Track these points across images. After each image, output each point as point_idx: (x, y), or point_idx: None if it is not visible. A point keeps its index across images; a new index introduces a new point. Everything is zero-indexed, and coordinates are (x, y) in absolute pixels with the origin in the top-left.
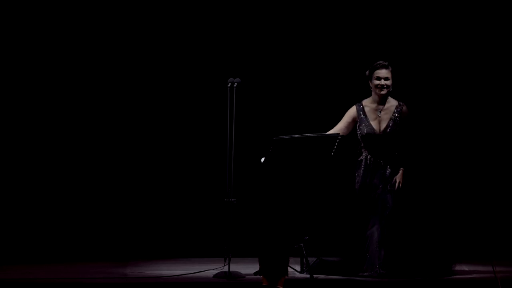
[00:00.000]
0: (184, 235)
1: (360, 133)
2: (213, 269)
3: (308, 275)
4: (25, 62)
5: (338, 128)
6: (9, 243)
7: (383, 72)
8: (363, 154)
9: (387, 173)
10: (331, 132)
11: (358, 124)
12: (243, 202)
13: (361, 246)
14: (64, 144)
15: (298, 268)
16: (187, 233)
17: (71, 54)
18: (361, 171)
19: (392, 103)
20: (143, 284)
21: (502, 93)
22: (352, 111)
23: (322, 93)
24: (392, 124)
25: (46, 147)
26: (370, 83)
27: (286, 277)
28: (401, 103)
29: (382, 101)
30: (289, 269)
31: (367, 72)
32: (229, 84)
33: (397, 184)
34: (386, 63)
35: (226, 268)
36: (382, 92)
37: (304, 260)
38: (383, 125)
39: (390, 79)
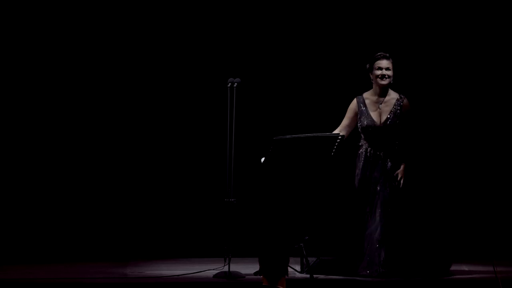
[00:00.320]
0: (184, 235)
1: (360, 125)
2: (213, 269)
3: (308, 275)
4: (25, 62)
5: (343, 125)
6: (9, 243)
7: (384, 63)
8: (363, 146)
9: (388, 166)
10: (337, 129)
11: (358, 116)
12: (243, 202)
13: (361, 244)
14: (64, 144)
15: (298, 268)
16: (187, 233)
17: (71, 54)
18: (361, 164)
19: (393, 95)
20: (143, 284)
21: (502, 92)
22: (353, 105)
23: (322, 93)
24: (392, 116)
25: (46, 147)
26: (370, 75)
27: (286, 277)
28: (402, 96)
29: (383, 93)
30: (289, 269)
31: (367, 65)
32: (229, 84)
33: (398, 178)
34: (387, 54)
35: (226, 268)
36: (383, 82)
37: (304, 260)
38: (384, 117)
39: (391, 70)
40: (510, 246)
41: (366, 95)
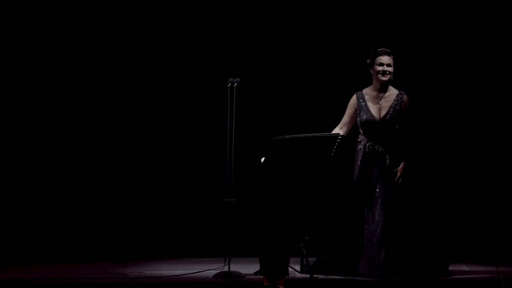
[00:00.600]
0: (184, 235)
1: (359, 120)
2: (213, 269)
3: (308, 275)
4: (25, 62)
5: (344, 122)
6: (9, 243)
7: (385, 59)
8: (362, 142)
9: (387, 162)
10: (337, 126)
11: (358, 111)
12: (243, 202)
13: (360, 241)
14: (64, 144)
15: (298, 268)
16: (187, 233)
17: (71, 54)
18: (360, 159)
19: (392, 91)
20: (143, 284)
21: (502, 92)
22: (353, 100)
23: (322, 93)
24: (392, 112)
25: (46, 147)
26: (371, 70)
27: (286, 277)
28: (402, 92)
29: (383, 89)
30: (289, 269)
31: (368, 60)
32: (229, 84)
33: (397, 176)
34: (389, 50)
35: (226, 268)
36: (384, 78)
37: (304, 260)
38: (383, 112)
39: (392, 66)
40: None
41: (365, 91)
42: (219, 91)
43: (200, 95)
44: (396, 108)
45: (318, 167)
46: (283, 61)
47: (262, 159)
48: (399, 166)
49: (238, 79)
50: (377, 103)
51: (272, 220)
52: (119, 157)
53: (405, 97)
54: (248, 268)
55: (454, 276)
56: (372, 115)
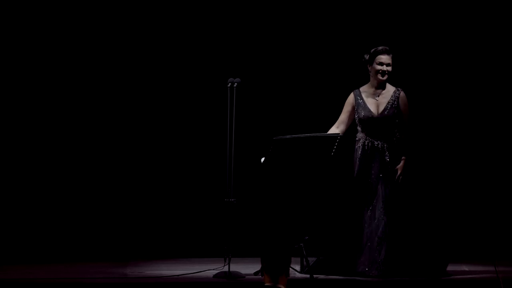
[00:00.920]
0: (184, 235)
1: (357, 117)
2: (213, 269)
3: (308, 275)
4: (25, 62)
5: (340, 120)
6: (9, 243)
7: (385, 58)
8: (361, 140)
9: (387, 159)
10: (334, 124)
11: (356, 109)
12: (243, 202)
13: (359, 239)
14: (64, 144)
15: (298, 268)
16: (187, 233)
17: (71, 54)
18: (359, 157)
19: (389, 88)
20: (143, 284)
21: (502, 91)
22: (350, 99)
23: (322, 93)
24: (389, 108)
25: (46, 147)
26: (369, 68)
27: (287, 277)
28: (399, 89)
29: (380, 86)
30: (290, 269)
31: (366, 56)
32: (229, 84)
33: (398, 174)
34: (388, 48)
35: (226, 268)
36: (383, 78)
37: (304, 260)
38: (381, 108)
39: (391, 65)
40: (511, 246)
41: (363, 88)
42: (219, 91)
43: (200, 95)
44: (394, 105)
45: (318, 167)
46: (283, 61)
47: (262, 159)
48: (399, 163)
49: (238, 79)
50: (375, 100)
51: (272, 220)
52: (119, 157)
53: (402, 93)
54: (248, 268)
55: (454, 276)
56: (370, 111)
